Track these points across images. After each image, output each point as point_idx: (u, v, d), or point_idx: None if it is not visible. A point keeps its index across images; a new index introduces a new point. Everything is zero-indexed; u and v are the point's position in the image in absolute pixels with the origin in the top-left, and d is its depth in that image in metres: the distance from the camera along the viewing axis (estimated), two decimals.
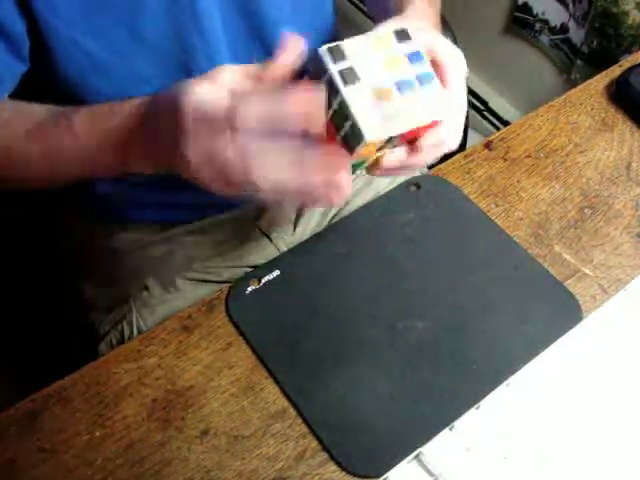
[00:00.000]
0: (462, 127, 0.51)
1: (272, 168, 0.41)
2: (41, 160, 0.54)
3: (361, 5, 1.93)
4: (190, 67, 0.62)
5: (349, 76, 0.44)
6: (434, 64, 0.48)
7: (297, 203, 0.45)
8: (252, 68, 0.44)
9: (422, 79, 0.46)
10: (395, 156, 0.49)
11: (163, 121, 0.45)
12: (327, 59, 0.44)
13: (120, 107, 0.49)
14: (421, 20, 0.55)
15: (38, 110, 0.54)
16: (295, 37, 0.44)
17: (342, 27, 0.79)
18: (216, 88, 0.42)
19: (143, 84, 0.62)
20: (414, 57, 0.47)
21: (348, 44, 0.45)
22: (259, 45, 0.65)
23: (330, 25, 0.73)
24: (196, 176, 0.44)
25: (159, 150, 0.46)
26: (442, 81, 0.48)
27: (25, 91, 0.61)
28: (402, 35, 0.47)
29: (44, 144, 0.53)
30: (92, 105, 0.51)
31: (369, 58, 0.45)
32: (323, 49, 0.44)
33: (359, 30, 0.59)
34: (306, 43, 0.45)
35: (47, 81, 0.61)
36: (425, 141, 0.48)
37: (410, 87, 0.45)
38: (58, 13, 0.55)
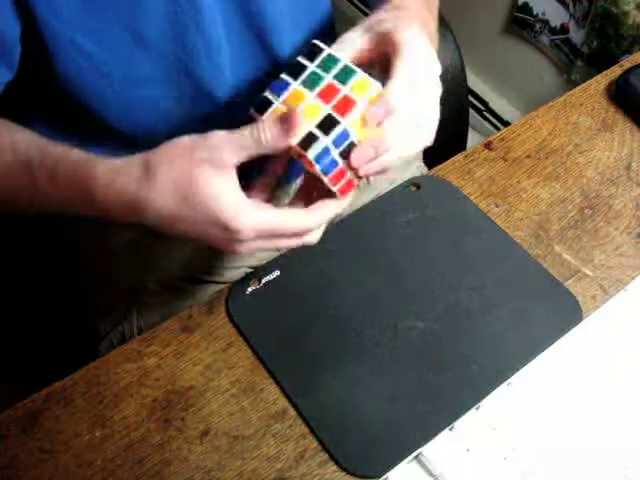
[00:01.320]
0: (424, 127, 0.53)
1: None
2: (17, 196, 0.57)
3: (360, 4, 1.93)
4: (190, 68, 0.62)
5: None
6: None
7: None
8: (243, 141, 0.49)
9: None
10: (361, 154, 0.51)
11: (198, 226, 0.50)
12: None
13: (93, 183, 0.52)
14: (408, 19, 0.56)
15: (20, 147, 0.55)
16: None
17: (342, 27, 0.79)
18: (236, 190, 0.49)
19: (144, 86, 0.62)
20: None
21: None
22: (259, 45, 0.65)
23: (328, 24, 0.73)
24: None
25: (173, 232, 0.52)
26: (390, 71, 0.52)
27: (27, 96, 0.61)
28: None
29: (21, 182, 0.55)
30: (66, 155, 0.53)
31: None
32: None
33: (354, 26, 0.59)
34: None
35: (49, 85, 0.61)
36: (369, 112, 0.51)
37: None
38: (58, 14, 0.55)
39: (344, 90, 0.50)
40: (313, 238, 0.54)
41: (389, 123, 0.51)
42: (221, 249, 0.52)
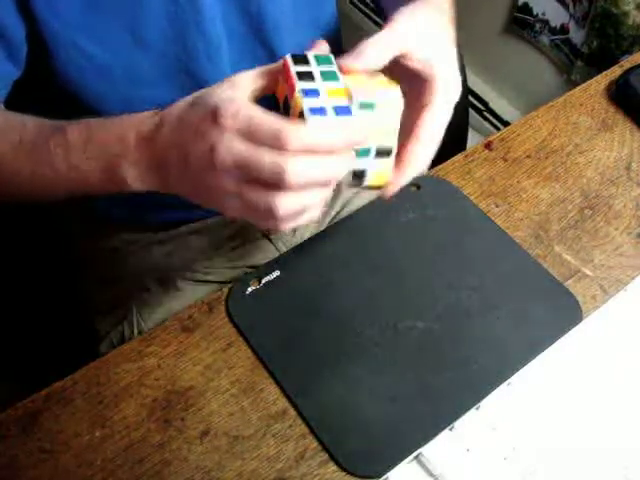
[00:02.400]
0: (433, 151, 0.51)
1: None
2: (31, 175, 0.53)
3: (361, 5, 1.93)
4: (191, 68, 0.62)
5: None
6: (423, 81, 0.49)
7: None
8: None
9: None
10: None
11: (187, 137, 0.45)
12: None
13: (121, 120, 0.49)
14: (434, 13, 0.54)
15: (30, 123, 0.54)
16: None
17: (346, 30, 0.79)
18: (239, 93, 0.45)
19: (144, 86, 0.62)
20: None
21: None
22: (260, 46, 0.65)
23: (333, 24, 0.73)
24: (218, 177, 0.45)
25: (172, 171, 0.47)
26: (424, 99, 0.49)
27: (26, 94, 0.61)
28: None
29: (34, 158, 0.52)
30: (88, 119, 0.51)
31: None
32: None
33: (360, 30, 0.58)
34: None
35: (48, 84, 0.61)
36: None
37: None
38: (59, 16, 0.55)
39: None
40: (284, 203, 0.43)
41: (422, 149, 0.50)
42: (201, 170, 0.45)
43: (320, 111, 0.45)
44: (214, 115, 0.43)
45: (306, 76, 0.46)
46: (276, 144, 0.42)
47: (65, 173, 0.52)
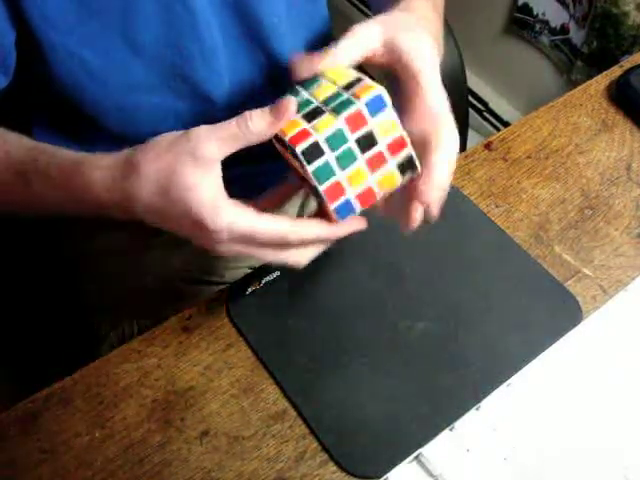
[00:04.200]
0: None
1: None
2: (10, 198, 0.57)
3: (360, 5, 1.93)
4: (186, 72, 0.62)
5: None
6: (425, 141, 0.50)
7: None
8: (227, 134, 0.46)
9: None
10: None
11: (180, 223, 0.48)
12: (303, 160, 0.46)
13: (87, 178, 0.51)
14: (419, 22, 0.54)
15: (12, 149, 0.55)
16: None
17: (342, 27, 0.79)
18: (217, 186, 0.47)
19: (139, 91, 0.62)
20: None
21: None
22: (258, 49, 0.65)
23: (325, 26, 0.73)
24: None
25: (162, 227, 0.50)
26: (426, 160, 0.50)
27: (22, 99, 0.61)
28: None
29: (13, 185, 0.55)
30: (62, 156, 0.53)
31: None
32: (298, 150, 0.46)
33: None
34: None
35: (43, 88, 0.60)
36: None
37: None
38: (51, 21, 0.55)
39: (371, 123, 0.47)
40: (298, 259, 0.50)
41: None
42: (205, 248, 0.49)
43: (346, 208, 0.48)
44: (202, 226, 0.46)
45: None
46: (279, 246, 0.48)
47: (47, 204, 0.56)
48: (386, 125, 0.47)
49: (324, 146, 0.46)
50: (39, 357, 1.18)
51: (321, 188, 0.47)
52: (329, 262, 0.65)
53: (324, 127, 0.46)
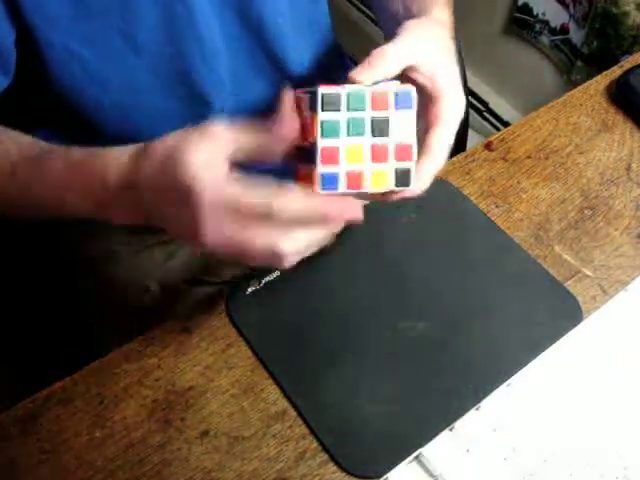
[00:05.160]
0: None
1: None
2: (22, 197, 0.55)
3: (361, 5, 1.93)
4: (186, 73, 0.61)
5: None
6: (432, 107, 0.49)
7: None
8: (246, 133, 0.45)
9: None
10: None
11: (169, 201, 0.45)
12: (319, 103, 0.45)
13: (102, 161, 0.49)
14: (437, 27, 0.54)
15: (14, 150, 0.54)
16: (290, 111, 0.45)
17: (342, 27, 0.79)
18: (217, 154, 0.43)
19: (139, 92, 0.61)
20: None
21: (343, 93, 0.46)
22: (260, 50, 0.65)
23: (326, 27, 0.73)
24: (207, 249, 0.45)
25: (157, 219, 0.47)
26: (430, 117, 0.50)
27: (22, 100, 0.61)
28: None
29: (26, 181, 0.53)
30: (71, 149, 0.51)
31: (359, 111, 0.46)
32: (321, 92, 0.45)
33: (358, 30, 0.57)
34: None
35: (42, 89, 0.60)
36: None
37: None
38: (51, 21, 0.54)
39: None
40: (287, 244, 0.44)
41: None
42: (188, 239, 0.45)
43: (332, 180, 0.46)
44: (193, 195, 0.42)
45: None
46: (264, 221, 0.43)
47: (58, 206, 0.54)
48: (404, 125, 0.47)
49: (343, 100, 0.45)
50: (39, 357, 1.18)
51: (320, 143, 0.45)
52: (329, 262, 0.65)
53: (351, 87, 0.46)
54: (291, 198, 0.43)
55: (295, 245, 0.44)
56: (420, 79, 0.50)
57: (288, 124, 0.45)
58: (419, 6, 0.57)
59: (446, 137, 0.50)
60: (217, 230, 0.43)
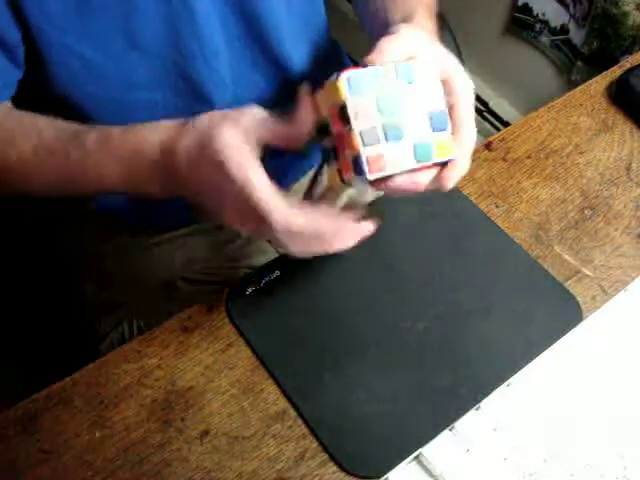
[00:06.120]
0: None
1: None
2: (47, 175, 0.56)
3: None
4: (187, 72, 0.62)
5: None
6: (447, 91, 0.49)
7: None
8: (273, 121, 0.48)
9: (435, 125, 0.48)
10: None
11: (201, 172, 0.48)
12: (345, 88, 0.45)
13: (135, 138, 0.52)
14: (425, 32, 0.54)
15: (43, 124, 0.55)
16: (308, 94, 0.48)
17: (341, 26, 0.79)
18: (245, 140, 0.47)
19: (139, 89, 0.62)
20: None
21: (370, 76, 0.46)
22: (259, 48, 0.65)
23: (322, 25, 0.73)
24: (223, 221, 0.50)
25: (185, 192, 0.51)
26: (455, 116, 0.50)
27: (21, 98, 0.61)
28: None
29: (51, 163, 0.54)
30: (104, 127, 0.54)
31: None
32: (343, 78, 0.45)
33: (356, 29, 0.58)
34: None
35: (42, 88, 0.60)
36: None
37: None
38: (51, 19, 0.55)
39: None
40: (278, 224, 0.47)
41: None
42: (212, 210, 0.49)
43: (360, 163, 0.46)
44: (223, 171, 0.46)
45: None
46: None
47: (84, 178, 0.55)
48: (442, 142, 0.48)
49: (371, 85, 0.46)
50: (39, 357, 1.18)
51: (364, 152, 0.45)
52: (329, 262, 0.65)
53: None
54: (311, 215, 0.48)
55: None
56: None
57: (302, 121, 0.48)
58: (402, 16, 0.58)
59: (469, 110, 0.51)
60: (241, 216, 0.48)
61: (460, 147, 0.49)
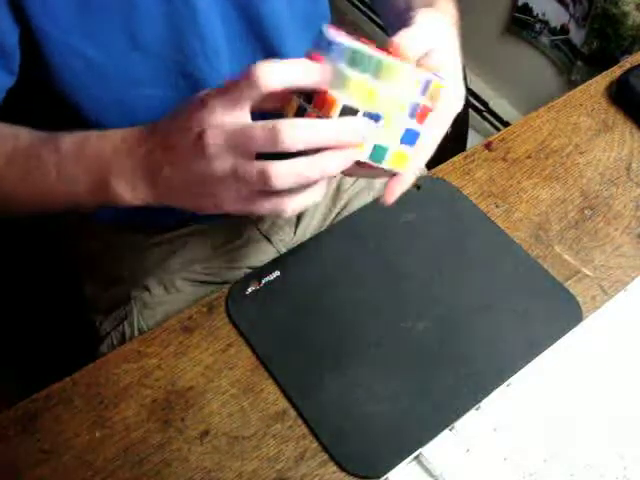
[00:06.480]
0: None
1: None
2: (23, 186, 0.55)
3: (360, 5, 1.93)
4: (189, 71, 0.62)
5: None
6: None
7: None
8: None
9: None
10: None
11: (177, 132, 0.47)
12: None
13: (112, 134, 0.52)
14: (447, 19, 0.55)
15: (22, 134, 0.55)
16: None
17: (341, 27, 0.79)
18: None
19: (140, 87, 0.62)
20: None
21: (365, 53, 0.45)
22: (260, 47, 0.65)
23: (326, 22, 0.73)
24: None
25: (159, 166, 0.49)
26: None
27: (22, 99, 0.61)
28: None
29: (25, 169, 0.54)
30: (80, 132, 0.53)
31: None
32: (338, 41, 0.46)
33: (357, 30, 0.57)
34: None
35: (44, 88, 0.60)
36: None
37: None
38: (54, 18, 0.55)
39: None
40: (295, 171, 0.43)
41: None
42: (189, 157, 0.46)
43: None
44: (200, 100, 0.45)
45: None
46: (271, 142, 0.43)
47: (57, 185, 0.54)
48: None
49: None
50: (39, 357, 1.18)
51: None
52: (329, 262, 0.65)
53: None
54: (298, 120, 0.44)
55: (287, 168, 0.43)
56: (428, 66, 0.50)
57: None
58: (424, 2, 0.58)
59: (438, 128, 0.51)
60: (219, 127, 0.44)
61: (417, 159, 0.50)
